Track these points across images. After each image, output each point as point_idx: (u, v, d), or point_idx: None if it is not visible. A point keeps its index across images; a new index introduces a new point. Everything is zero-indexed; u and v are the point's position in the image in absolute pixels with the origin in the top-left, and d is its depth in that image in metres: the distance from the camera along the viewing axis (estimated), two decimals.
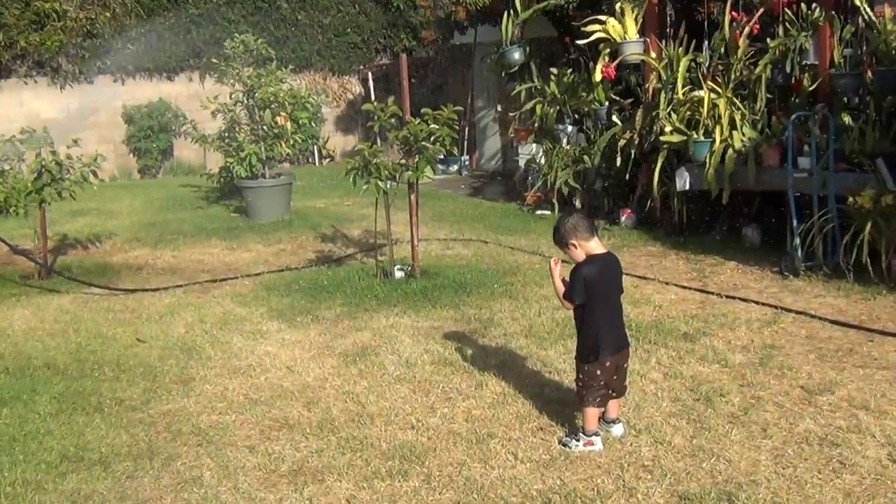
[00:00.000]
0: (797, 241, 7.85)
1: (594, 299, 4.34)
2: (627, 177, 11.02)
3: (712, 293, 7.36)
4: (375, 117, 7.97)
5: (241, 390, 5.50)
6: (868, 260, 7.14)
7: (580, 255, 4.35)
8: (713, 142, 9.24)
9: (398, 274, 8.23)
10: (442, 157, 11.28)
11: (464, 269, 8.47)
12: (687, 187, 9.66)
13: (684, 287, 7.64)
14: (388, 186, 7.78)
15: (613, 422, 4.60)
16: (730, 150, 8.99)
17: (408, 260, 8.73)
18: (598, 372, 4.36)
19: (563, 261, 4.59)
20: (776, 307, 6.80)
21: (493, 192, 15.65)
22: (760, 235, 9.39)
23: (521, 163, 14.40)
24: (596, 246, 4.36)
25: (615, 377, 4.44)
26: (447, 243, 10.26)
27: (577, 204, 12.02)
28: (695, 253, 9.14)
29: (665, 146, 9.81)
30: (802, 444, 4.40)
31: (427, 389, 5.37)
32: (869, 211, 7.15)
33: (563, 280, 4.53)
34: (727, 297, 7.21)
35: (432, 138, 7.78)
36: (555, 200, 12.04)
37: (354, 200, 14.38)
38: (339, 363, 5.95)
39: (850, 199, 7.28)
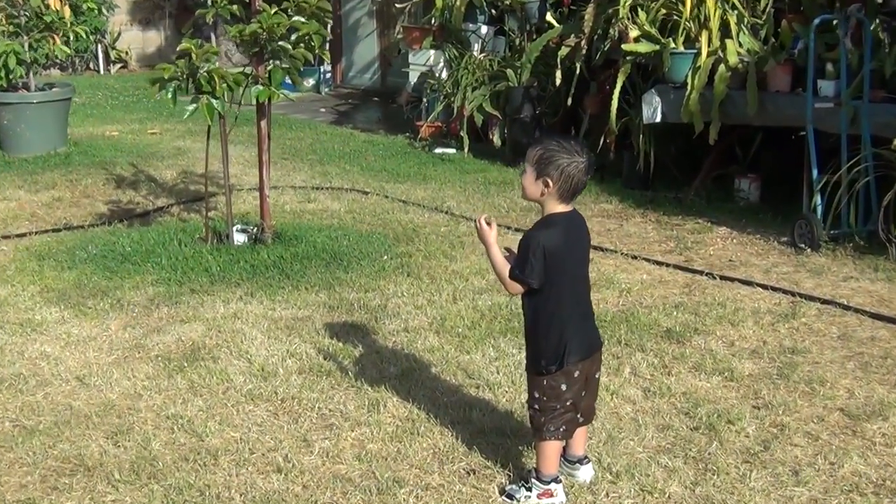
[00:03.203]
0: (818, 200, 7.94)
1: (557, 280, 4.19)
2: (570, 102, 11.01)
3: (700, 272, 7.38)
4: (209, 2, 7.64)
5: (6, 414, 5.18)
6: None
7: (535, 195, 4.18)
8: (697, 54, 9.26)
9: (239, 238, 7.99)
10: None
11: (336, 233, 8.30)
12: (658, 119, 9.70)
13: (660, 263, 7.64)
14: (227, 108, 7.48)
15: (580, 461, 4.51)
16: (721, 68, 9.05)
17: (253, 217, 8.47)
18: (563, 387, 4.23)
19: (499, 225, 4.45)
20: (793, 294, 6.86)
21: (367, 119, 15.52)
22: (760, 190, 9.50)
23: (412, 78, 14.30)
24: (564, 205, 4.23)
25: (584, 393, 4.34)
26: (307, 193, 10.08)
27: (496, 139, 12.01)
28: (669, 214, 9.19)
29: (627, 59, 9.81)
30: (851, 493, 4.39)
31: (295, 412, 5.19)
32: None
33: (508, 252, 4.37)
34: (722, 278, 7.25)
35: (294, 37, 7.53)
36: (463, 133, 11.99)
37: (162, 127, 14.07)
38: (158, 371, 5.69)
39: (894, 142, 7.36)
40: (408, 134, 13.65)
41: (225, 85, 7.29)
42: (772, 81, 8.86)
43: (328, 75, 18.47)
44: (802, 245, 7.86)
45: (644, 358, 5.82)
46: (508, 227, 8.42)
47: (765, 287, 7.01)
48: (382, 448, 4.81)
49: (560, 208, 4.20)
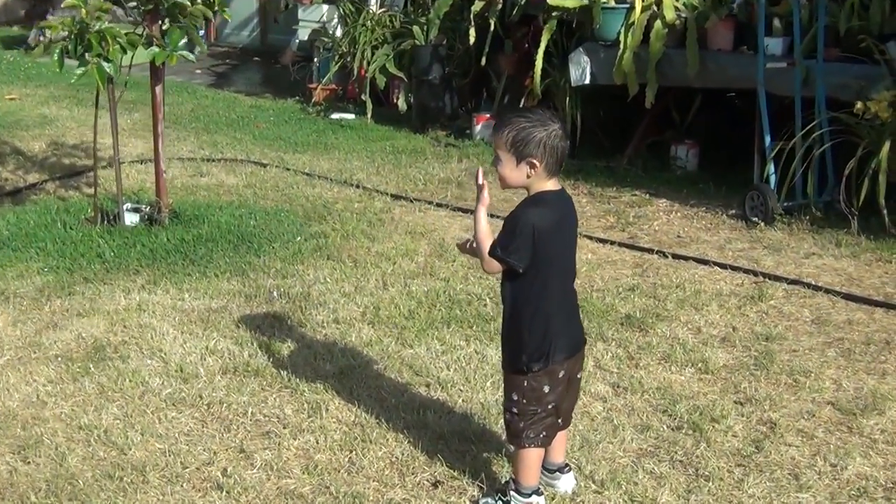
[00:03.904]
0: (770, 168, 7.92)
1: (545, 266, 4.04)
2: (485, 62, 10.90)
3: (650, 250, 7.33)
4: None
5: None
6: (881, 201, 7.30)
7: (521, 182, 4.03)
8: (631, 9, 9.21)
9: (130, 218, 7.72)
10: None
11: (239, 211, 8.09)
12: (586, 81, 9.65)
13: (604, 241, 7.57)
14: (118, 71, 7.20)
15: (560, 469, 4.38)
16: (657, 24, 9.02)
17: (144, 194, 8.21)
18: (546, 388, 4.09)
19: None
20: (755, 273, 6.85)
21: (249, 81, 15.26)
22: (698, 158, 9.50)
23: (302, 36, 14.03)
24: (553, 181, 4.08)
25: (567, 394, 4.21)
26: (198, 165, 9.84)
27: (401, 103, 11.88)
28: (601, 185, 9.16)
29: (553, 15, 9.70)
30: (860, 498, 4.33)
31: (226, 419, 4.98)
32: (885, 122, 7.26)
33: (471, 240, 4.23)
34: (675, 256, 7.21)
35: None
36: (365, 97, 11.82)
37: (21, 92, 13.64)
38: (61, 374, 5.43)
39: (859, 104, 7.37)
40: (298, 98, 13.44)
41: (118, 46, 6.99)
42: (713, 39, 8.84)
43: (202, 32, 18.05)
44: (755, 218, 7.85)
45: (607, 348, 5.72)
46: (438, 204, 8.29)
47: (723, 266, 6.98)
48: (332, 458, 4.62)
49: (549, 185, 4.04)
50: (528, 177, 3.98)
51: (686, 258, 7.15)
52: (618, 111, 9.83)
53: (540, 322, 4.06)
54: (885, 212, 7.34)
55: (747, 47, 8.48)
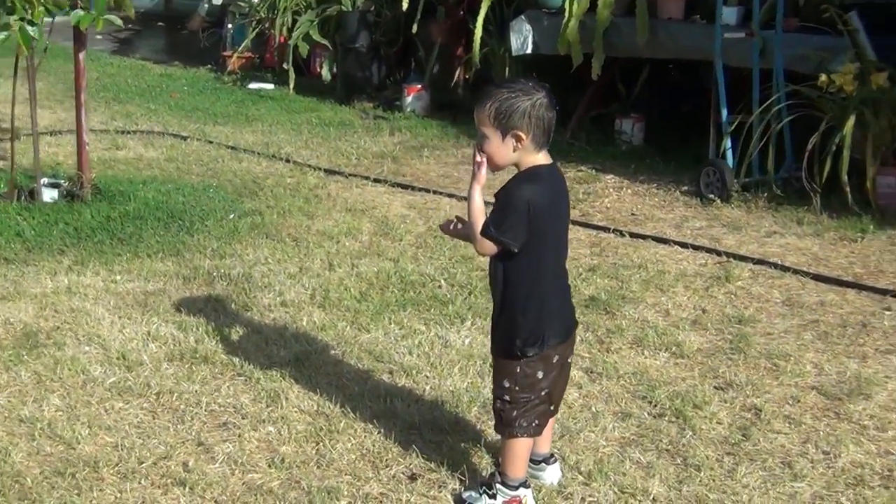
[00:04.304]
0: (727, 143, 7.93)
1: (540, 246, 3.98)
2: (416, 30, 10.84)
3: (606, 229, 7.33)
4: None
5: None
6: (844, 177, 7.36)
7: (509, 158, 3.96)
8: None
9: (49, 194, 7.55)
10: None
11: (165, 186, 7.98)
12: (528, 50, 9.63)
13: None
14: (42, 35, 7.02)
15: (545, 460, 4.32)
16: None
17: (62, 168, 8.03)
18: (540, 374, 4.03)
19: None
20: (718, 252, 6.88)
21: (155, 48, 15.10)
22: (644, 132, 9.52)
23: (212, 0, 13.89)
24: (543, 154, 4.02)
25: (560, 380, 4.17)
26: (113, 138, 9.68)
27: (324, 73, 11.81)
28: None
29: None
30: (857, 486, 4.33)
31: (178, 409, 4.86)
32: (850, 96, 7.30)
33: (457, 220, 4.17)
34: (632, 235, 7.21)
35: None
36: (288, 65, 11.70)
37: None
38: None
39: (823, 77, 7.40)
40: (211, 66, 13.28)
41: (43, 9, 6.82)
42: (663, 7, 8.84)
43: None
44: (711, 195, 7.87)
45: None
46: (376, 180, 8.24)
47: (684, 245, 7.00)
48: (298, 451, 4.53)
49: (540, 159, 3.98)
50: (515, 150, 3.91)
51: (644, 237, 7.16)
52: (561, 82, 9.76)
53: (535, 304, 4.00)
54: (847, 189, 7.37)
55: (700, 16, 8.48)
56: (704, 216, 7.61)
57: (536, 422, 4.08)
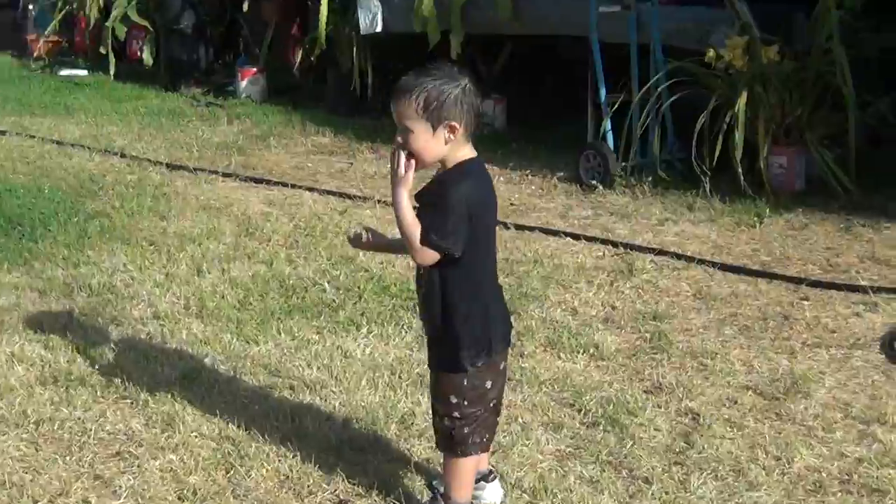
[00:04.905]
0: (607, 125, 7.96)
1: (479, 247, 3.90)
2: (247, 7, 10.72)
3: None
4: None
5: None
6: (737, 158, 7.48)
7: (440, 152, 3.85)
8: None
9: None
10: None
11: None
12: (378, 29, 9.54)
13: None
14: None
15: (485, 477, 4.21)
16: None
17: None
18: (489, 384, 3.95)
19: None
20: (614, 244, 6.89)
21: None
22: (506, 114, 9.53)
23: None
24: (470, 146, 3.93)
25: (503, 388, 4.12)
26: None
27: (145, 57, 11.63)
28: None
29: None
30: (818, 493, 4.31)
31: (62, 439, 4.64)
32: (740, 71, 7.39)
33: (369, 232, 4.10)
34: (517, 227, 7.21)
35: None
36: (107, 50, 11.51)
37: None
38: None
39: (710, 52, 7.47)
40: (13, 52, 12.96)
41: None
42: None
43: None
44: (593, 181, 7.89)
45: None
46: (226, 174, 8.09)
47: (576, 237, 7.01)
48: (208, 480, 4.35)
49: (468, 152, 3.89)
50: (447, 143, 3.81)
51: (531, 228, 7.15)
52: (417, 64, 9.70)
53: (479, 312, 3.92)
54: (740, 171, 7.45)
55: None
56: (589, 204, 7.65)
57: (487, 435, 4.02)
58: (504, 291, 5.84)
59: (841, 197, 7.52)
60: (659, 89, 7.84)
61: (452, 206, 3.76)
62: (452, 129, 3.74)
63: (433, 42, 9.11)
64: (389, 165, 3.76)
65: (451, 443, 4.00)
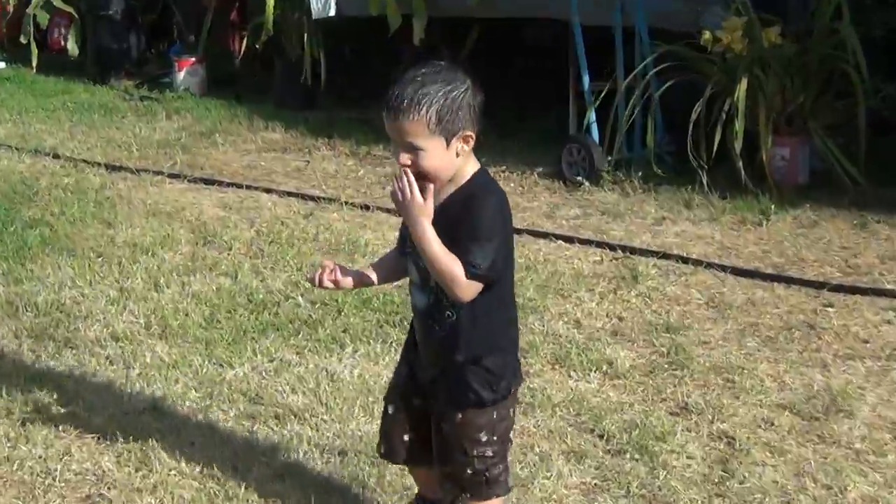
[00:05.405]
0: (592, 117, 7.78)
1: (509, 264, 3.71)
2: None
3: None
4: None
5: None
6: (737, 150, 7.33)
7: (454, 167, 3.57)
8: None
9: None
10: None
11: None
12: (331, 13, 9.39)
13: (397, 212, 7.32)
14: None
15: None
16: None
17: None
18: (513, 412, 3.81)
19: None
20: (612, 247, 6.73)
21: None
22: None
23: None
24: (474, 156, 3.71)
25: None
26: None
27: (70, 46, 11.42)
28: (365, 142, 9.01)
29: None
30: None
31: (27, 481, 4.44)
32: (739, 56, 7.25)
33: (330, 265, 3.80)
34: None
35: None
36: (29, 39, 11.28)
37: None
38: None
39: (707, 35, 7.32)
40: None
41: None
42: None
43: None
44: (578, 177, 7.72)
45: None
46: (172, 175, 7.86)
47: (569, 240, 6.84)
48: None
49: (475, 161, 3.64)
50: (458, 155, 3.53)
51: (518, 231, 6.88)
52: (374, 51, 9.59)
53: (512, 334, 3.81)
54: (740, 164, 7.29)
55: None
56: (575, 202, 7.49)
57: (509, 471, 3.85)
58: None
59: (850, 190, 7.36)
60: (647, 76, 7.61)
61: (491, 229, 3.52)
62: (467, 140, 3.46)
63: (394, 27, 8.92)
64: (392, 193, 3.41)
65: (484, 488, 3.76)
